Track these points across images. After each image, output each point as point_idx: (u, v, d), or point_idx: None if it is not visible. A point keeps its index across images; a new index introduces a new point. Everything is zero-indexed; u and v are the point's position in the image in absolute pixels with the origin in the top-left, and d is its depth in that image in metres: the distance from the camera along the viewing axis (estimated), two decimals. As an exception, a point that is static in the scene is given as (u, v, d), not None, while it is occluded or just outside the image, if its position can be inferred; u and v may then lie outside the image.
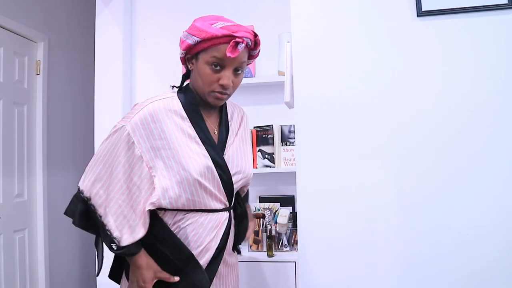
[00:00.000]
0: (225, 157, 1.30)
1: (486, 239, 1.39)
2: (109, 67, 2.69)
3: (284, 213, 2.31)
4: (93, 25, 2.75)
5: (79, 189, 1.27)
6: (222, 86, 1.22)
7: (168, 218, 1.25)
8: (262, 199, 2.54)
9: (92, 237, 1.35)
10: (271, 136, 2.54)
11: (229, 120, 1.38)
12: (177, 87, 1.36)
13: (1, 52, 2.66)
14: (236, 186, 1.34)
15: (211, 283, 1.28)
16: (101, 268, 1.30)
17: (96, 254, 1.35)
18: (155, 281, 1.20)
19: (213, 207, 1.27)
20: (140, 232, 1.19)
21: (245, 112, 1.49)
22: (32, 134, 2.95)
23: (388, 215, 1.46)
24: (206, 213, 1.26)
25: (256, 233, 2.45)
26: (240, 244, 1.45)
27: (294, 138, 1.82)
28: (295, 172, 1.55)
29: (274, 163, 2.51)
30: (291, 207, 2.48)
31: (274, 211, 2.45)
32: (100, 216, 1.22)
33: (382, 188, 1.47)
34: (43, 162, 2.98)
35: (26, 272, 2.82)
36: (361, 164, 1.49)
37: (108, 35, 2.71)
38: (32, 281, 2.87)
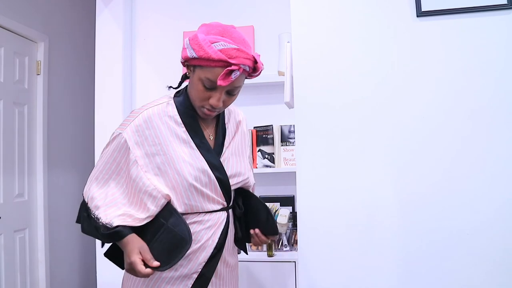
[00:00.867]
0: (222, 159, 1.30)
1: (486, 238, 1.39)
2: (109, 67, 2.70)
3: (284, 213, 2.31)
4: (93, 25, 2.75)
5: (83, 196, 1.29)
6: (211, 105, 1.23)
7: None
8: (262, 199, 2.53)
9: (92, 238, 1.35)
10: (271, 136, 2.54)
11: (226, 123, 1.38)
12: (174, 88, 1.36)
13: (1, 52, 2.66)
14: (233, 188, 1.34)
15: (209, 282, 1.28)
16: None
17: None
18: (139, 257, 1.18)
19: (211, 209, 1.28)
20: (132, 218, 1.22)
21: (244, 116, 1.47)
22: (32, 134, 2.95)
23: (388, 215, 1.46)
24: (203, 214, 1.27)
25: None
26: (272, 234, 1.41)
27: (294, 138, 1.82)
28: (295, 172, 1.55)
29: (274, 163, 2.51)
30: (291, 207, 2.48)
31: (274, 211, 2.45)
32: (94, 215, 1.23)
33: (382, 188, 1.47)
34: (43, 162, 2.98)
35: (26, 272, 2.82)
36: (361, 164, 1.49)
37: (108, 35, 2.71)
38: (32, 281, 2.87)
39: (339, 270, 1.48)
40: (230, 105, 1.35)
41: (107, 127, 2.54)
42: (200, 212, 1.27)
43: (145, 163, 1.23)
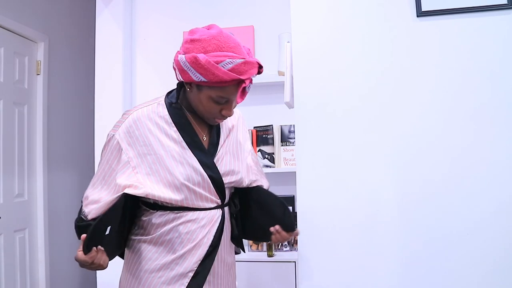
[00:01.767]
0: (216, 158, 1.30)
1: (486, 238, 1.39)
2: (109, 67, 2.70)
3: (284, 213, 2.31)
4: (93, 25, 2.75)
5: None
6: (224, 116, 1.26)
7: (159, 217, 1.27)
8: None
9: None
10: (271, 136, 2.54)
11: (221, 122, 1.38)
12: (169, 92, 1.37)
13: (1, 52, 2.66)
14: (227, 187, 1.34)
15: (205, 281, 1.29)
16: None
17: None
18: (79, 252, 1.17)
19: (204, 207, 1.28)
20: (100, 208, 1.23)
21: (240, 114, 1.46)
22: (32, 134, 2.95)
23: (388, 215, 1.46)
24: (198, 211, 1.27)
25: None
26: (291, 230, 1.36)
27: (294, 138, 1.82)
28: (295, 172, 1.55)
29: (274, 163, 2.51)
30: (291, 207, 2.49)
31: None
32: (82, 211, 1.26)
33: (382, 188, 1.47)
34: (43, 162, 2.98)
35: (26, 272, 2.82)
36: (361, 164, 1.49)
37: (108, 35, 2.71)
38: (32, 281, 2.87)
39: (339, 270, 1.48)
40: None
41: (107, 127, 2.52)
42: (195, 210, 1.27)
43: (137, 163, 1.24)
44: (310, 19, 1.57)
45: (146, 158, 1.24)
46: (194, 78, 1.17)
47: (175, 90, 1.35)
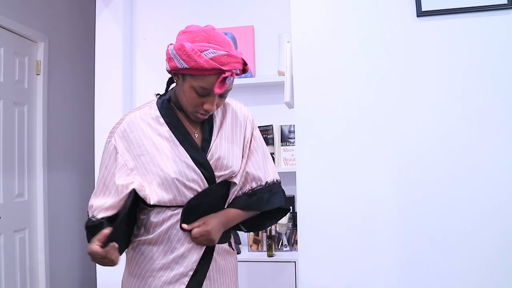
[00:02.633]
0: (209, 154, 1.31)
1: (486, 238, 1.39)
2: (109, 67, 2.70)
3: (284, 213, 2.31)
4: (93, 25, 2.75)
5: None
6: (206, 110, 1.26)
7: (156, 215, 1.27)
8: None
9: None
10: (271, 136, 2.54)
11: (213, 117, 1.37)
12: (162, 95, 1.39)
13: (1, 52, 2.66)
14: (218, 181, 1.33)
15: (205, 278, 1.30)
16: None
17: None
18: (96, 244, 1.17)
19: None
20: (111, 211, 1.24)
21: (231, 104, 1.42)
22: (32, 134, 2.95)
23: (388, 215, 1.46)
24: None
25: (256, 233, 2.45)
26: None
27: (294, 138, 1.82)
28: (295, 172, 1.55)
29: (274, 163, 2.51)
30: (291, 207, 2.48)
31: (274, 211, 2.45)
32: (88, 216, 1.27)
33: (382, 188, 1.47)
34: (43, 162, 2.98)
35: (26, 272, 2.82)
36: (361, 164, 1.49)
37: (108, 35, 2.71)
38: (32, 281, 2.87)
39: (339, 270, 1.48)
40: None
41: (107, 127, 2.52)
42: None
43: (134, 165, 1.27)
44: (310, 19, 1.57)
45: (140, 159, 1.27)
46: (178, 65, 1.20)
47: (165, 92, 1.38)
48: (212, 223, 1.27)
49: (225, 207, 1.35)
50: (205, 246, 1.29)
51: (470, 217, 1.40)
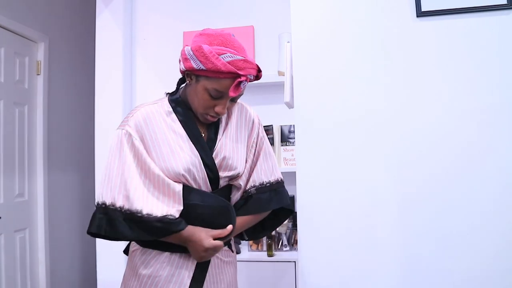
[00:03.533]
0: (214, 153, 1.32)
1: (486, 238, 1.39)
2: (109, 67, 2.70)
3: (284, 213, 2.31)
4: (94, 25, 2.75)
5: (98, 203, 1.25)
6: (216, 113, 1.27)
7: None
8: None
9: (92, 238, 1.35)
10: (271, 136, 2.54)
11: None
12: (171, 94, 1.38)
13: (1, 52, 2.67)
14: (222, 182, 1.34)
15: (205, 276, 1.30)
16: None
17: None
18: (211, 240, 1.24)
19: None
20: (178, 206, 1.23)
21: (236, 104, 1.41)
22: (32, 134, 2.95)
23: (388, 215, 1.46)
24: None
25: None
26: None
27: (294, 138, 1.82)
28: (295, 172, 1.55)
29: (274, 163, 2.51)
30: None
31: (274, 211, 2.45)
32: (133, 211, 1.21)
33: (382, 188, 1.47)
34: (43, 162, 2.98)
35: (26, 272, 2.83)
36: (361, 164, 1.49)
37: (108, 35, 2.71)
38: (32, 281, 2.87)
39: (339, 270, 1.48)
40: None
41: (107, 127, 2.55)
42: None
43: (150, 157, 1.26)
44: (310, 19, 1.57)
45: (151, 153, 1.26)
46: (194, 66, 1.21)
47: (175, 91, 1.38)
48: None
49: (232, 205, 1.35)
50: None
51: (470, 217, 1.40)
